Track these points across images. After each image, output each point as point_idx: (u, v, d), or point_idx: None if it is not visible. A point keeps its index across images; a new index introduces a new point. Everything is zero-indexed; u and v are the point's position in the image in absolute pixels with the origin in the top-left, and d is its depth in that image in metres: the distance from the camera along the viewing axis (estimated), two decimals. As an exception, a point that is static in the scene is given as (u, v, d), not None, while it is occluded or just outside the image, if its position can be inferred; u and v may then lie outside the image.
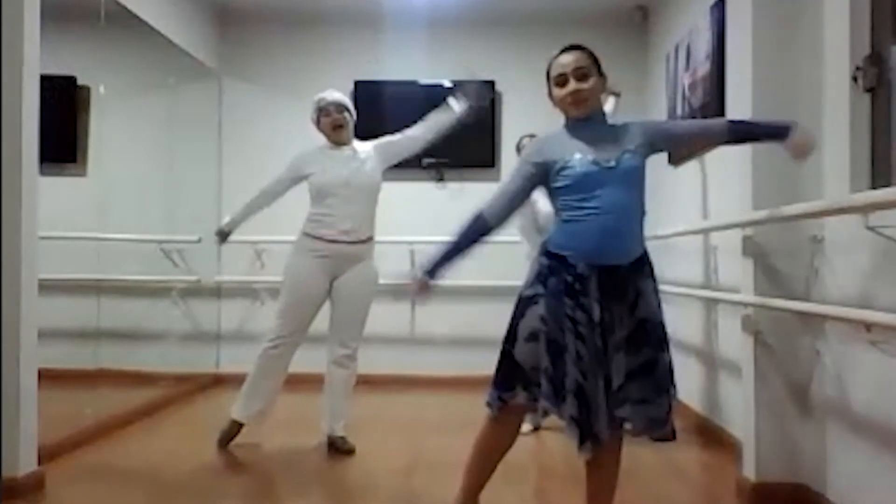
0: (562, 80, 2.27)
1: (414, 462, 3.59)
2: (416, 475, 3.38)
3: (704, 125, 2.52)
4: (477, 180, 5.62)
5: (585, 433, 2.14)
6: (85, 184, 4.38)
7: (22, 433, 3.08)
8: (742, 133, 2.43)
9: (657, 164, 5.26)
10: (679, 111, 4.71)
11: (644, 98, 5.66)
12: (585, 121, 2.28)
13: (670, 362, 2.27)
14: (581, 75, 2.26)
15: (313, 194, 3.70)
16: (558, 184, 2.24)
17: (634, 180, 2.25)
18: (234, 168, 5.83)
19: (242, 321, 5.72)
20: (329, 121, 3.72)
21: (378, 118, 5.70)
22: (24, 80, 3.11)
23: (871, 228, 2.38)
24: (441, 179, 5.77)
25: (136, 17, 4.49)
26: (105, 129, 4.37)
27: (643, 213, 2.30)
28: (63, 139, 4.30)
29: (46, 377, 3.30)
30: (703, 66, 4.25)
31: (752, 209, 3.01)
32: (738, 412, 3.33)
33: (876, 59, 2.64)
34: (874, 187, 2.62)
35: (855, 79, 2.68)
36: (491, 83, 5.74)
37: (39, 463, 3.18)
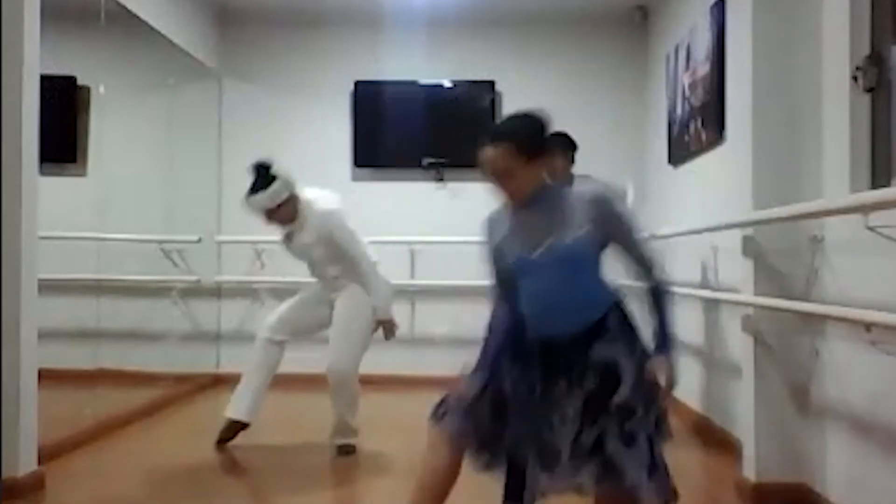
0: (488, 174, 2.11)
1: (414, 462, 3.58)
2: (416, 475, 3.37)
3: (644, 263, 2.12)
4: (477, 180, 5.55)
5: (515, 493, 2.08)
6: (85, 184, 4.38)
7: (22, 433, 3.08)
8: (652, 304, 2.12)
9: (657, 163, 5.27)
10: (679, 111, 4.71)
11: (644, 98, 5.66)
12: (525, 205, 2.12)
13: (648, 422, 2.02)
14: (503, 175, 2.07)
15: None
16: (498, 263, 2.19)
17: (573, 263, 2.07)
18: (234, 168, 5.79)
19: (242, 321, 5.71)
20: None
21: (378, 118, 5.73)
22: (24, 80, 3.11)
23: (871, 228, 2.38)
24: (441, 179, 5.76)
25: (136, 17, 4.49)
26: (105, 129, 4.37)
27: (596, 282, 2.12)
28: (63, 139, 4.30)
29: (46, 377, 3.30)
30: (703, 66, 4.25)
31: (752, 209, 3.01)
32: (738, 412, 3.34)
33: (876, 59, 2.64)
34: (874, 187, 2.61)
35: (855, 79, 2.68)
36: (491, 83, 5.75)
37: (39, 463, 3.18)
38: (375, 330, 3.70)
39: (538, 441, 2.05)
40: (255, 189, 3.58)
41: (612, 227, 2.08)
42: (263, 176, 3.61)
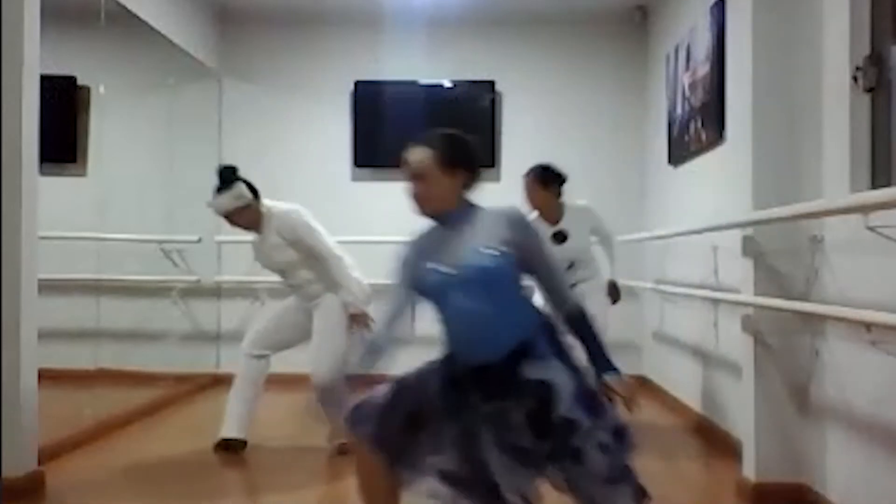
0: (406, 177, 2.13)
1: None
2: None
3: (559, 291, 2.12)
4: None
5: None
6: (85, 184, 4.38)
7: (22, 433, 3.08)
8: (576, 331, 2.11)
9: (657, 163, 5.27)
10: (679, 111, 4.71)
11: (644, 98, 5.66)
12: (442, 220, 2.13)
13: (598, 433, 1.98)
14: (418, 177, 2.09)
15: None
16: (416, 285, 2.16)
17: (492, 281, 2.05)
18: (234, 168, 5.82)
19: (242, 321, 5.70)
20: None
21: (378, 118, 5.73)
22: (24, 80, 3.11)
23: (871, 228, 2.38)
24: (441, 179, 5.76)
25: (136, 17, 4.49)
26: (105, 129, 4.37)
27: (519, 301, 2.11)
28: (63, 139, 4.31)
29: (46, 377, 3.30)
30: (703, 66, 4.25)
31: (752, 209, 3.02)
32: (739, 412, 3.34)
33: (876, 59, 2.64)
34: (874, 187, 2.61)
35: (855, 79, 2.68)
36: (491, 83, 5.75)
37: (39, 463, 3.18)
38: (351, 328, 3.64)
39: (503, 447, 2.00)
40: (219, 191, 3.60)
41: (528, 248, 2.07)
42: (227, 178, 3.62)
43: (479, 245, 2.04)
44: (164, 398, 4.82)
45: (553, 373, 2.00)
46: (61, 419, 3.76)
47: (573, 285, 3.93)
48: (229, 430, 3.71)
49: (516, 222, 2.08)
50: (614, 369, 2.07)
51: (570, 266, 3.89)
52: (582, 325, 2.09)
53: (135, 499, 3.10)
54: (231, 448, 3.69)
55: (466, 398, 2.07)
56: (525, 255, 2.06)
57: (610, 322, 3.83)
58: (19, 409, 3.07)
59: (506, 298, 2.07)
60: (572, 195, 3.92)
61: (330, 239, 3.67)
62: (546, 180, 3.88)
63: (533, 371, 2.01)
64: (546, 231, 3.81)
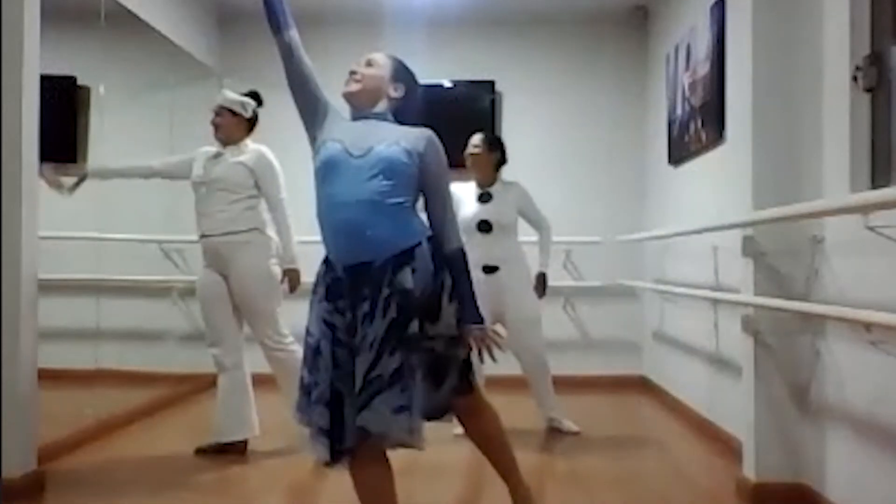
0: (362, 61, 2.34)
1: (412, 463, 3.58)
2: (415, 476, 3.37)
3: (446, 226, 2.21)
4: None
5: (336, 444, 2.03)
6: (85, 184, 4.38)
7: (22, 433, 3.08)
8: (452, 271, 2.18)
9: (657, 163, 5.27)
10: (679, 111, 4.71)
11: (644, 98, 5.66)
12: (362, 115, 2.28)
13: (448, 359, 2.14)
14: (369, 66, 2.31)
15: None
16: (315, 162, 2.23)
17: (388, 171, 2.09)
18: (234, 168, 5.81)
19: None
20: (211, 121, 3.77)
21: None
22: (24, 80, 3.11)
23: (871, 228, 2.38)
24: (441, 179, 5.75)
25: (136, 17, 4.49)
26: (105, 129, 4.37)
27: (408, 210, 2.14)
28: (63, 139, 4.30)
29: (46, 377, 3.30)
30: (703, 66, 4.25)
31: (752, 209, 3.02)
32: (739, 412, 3.34)
33: (876, 59, 2.64)
34: (874, 187, 2.61)
35: (855, 79, 2.68)
36: (491, 83, 5.75)
37: (39, 463, 3.18)
38: (283, 280, 3.66)
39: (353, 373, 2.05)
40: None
41: (432, 169, 2.18)
42: (249, 93, 3.80)
43: (390, 141, 2.14)
44: (164, 398, 4.82)
45: (423, 289, 2.07)
46: (61, 419, 3.76)
47: (494, 269, 3.97)
48: (243, 433, 3.71)
49: (430, 142, 2.21)
50: (478, 320, 2.17)
51: (489, 229, 4.00)
52: (459, 267, 2.18)
53: (135, 499, 3.10)
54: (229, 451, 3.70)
55: (338, 306, 2.10)
56: (427, 177, 2.17)
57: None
58: (19, 409, 3.07)
59: (396, 197, 2.11)
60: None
61: (285, 194, 3.71)
62: (492, 144, 4.16)
63: (406, 281, 2.05)
64: (476, 192, 4.10)
